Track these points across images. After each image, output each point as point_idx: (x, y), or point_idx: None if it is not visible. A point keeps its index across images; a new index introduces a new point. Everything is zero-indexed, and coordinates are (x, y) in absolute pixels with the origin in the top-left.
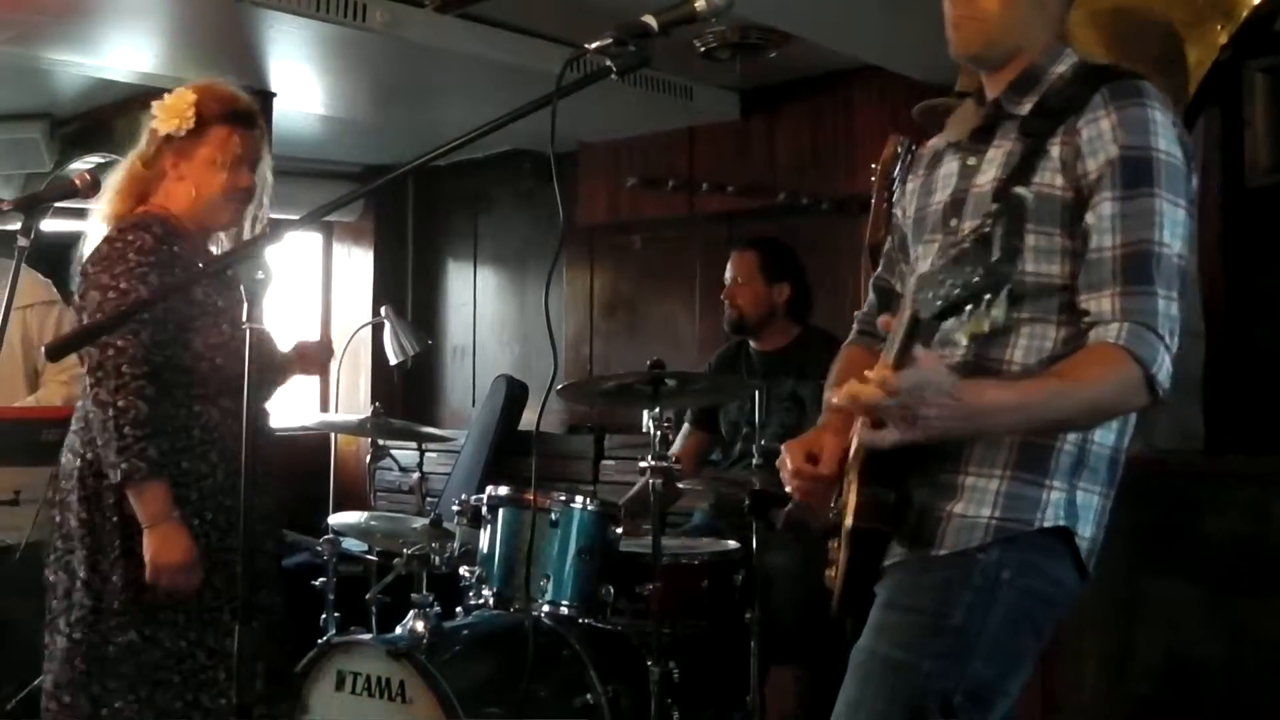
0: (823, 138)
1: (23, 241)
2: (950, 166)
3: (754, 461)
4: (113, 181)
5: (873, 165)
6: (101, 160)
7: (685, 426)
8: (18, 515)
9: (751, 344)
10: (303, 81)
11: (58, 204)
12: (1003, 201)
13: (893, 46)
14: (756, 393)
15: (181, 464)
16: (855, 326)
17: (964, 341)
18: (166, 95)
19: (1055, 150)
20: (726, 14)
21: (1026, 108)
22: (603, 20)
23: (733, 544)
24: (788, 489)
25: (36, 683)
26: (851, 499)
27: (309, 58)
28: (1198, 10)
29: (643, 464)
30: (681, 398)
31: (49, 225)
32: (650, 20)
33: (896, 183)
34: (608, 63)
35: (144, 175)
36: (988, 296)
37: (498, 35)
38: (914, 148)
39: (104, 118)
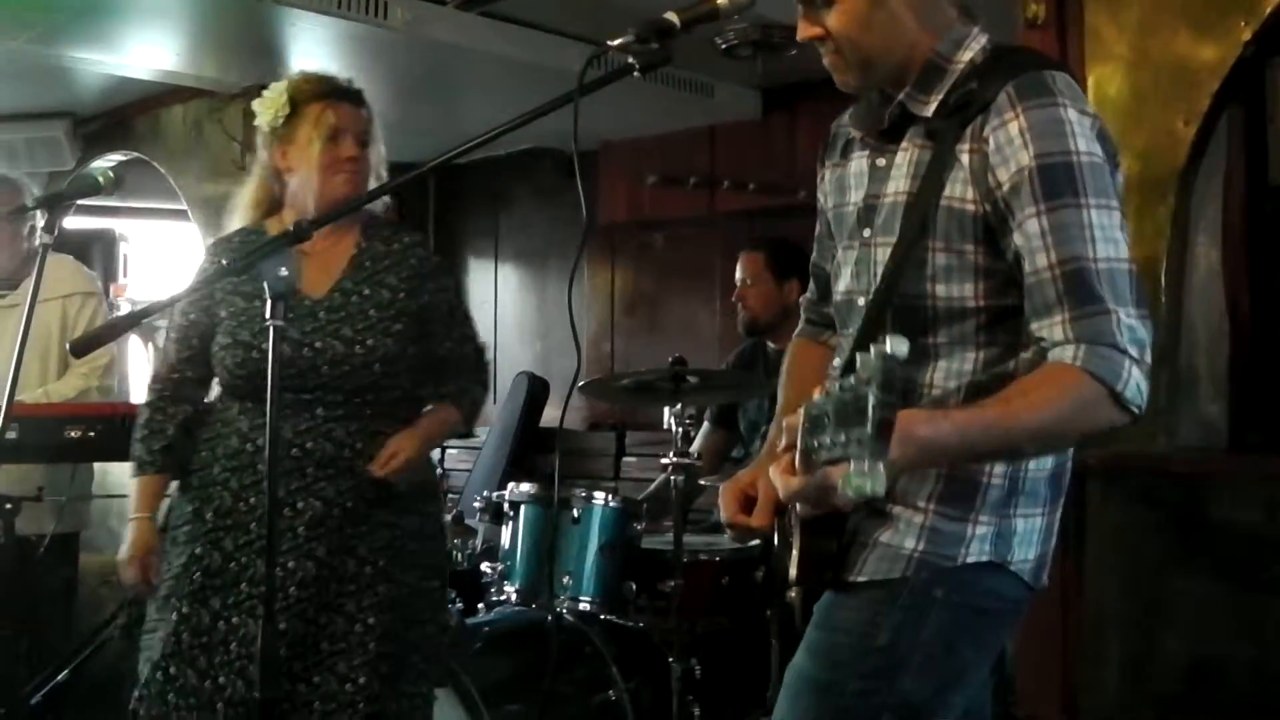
0: None
1: (46, 238)
2: (860, 164)
3: None
4: (242, 194)
5: None
6: (123, 158)
7: (705, 425)
8: (41, 510)
9: (769, 343)
10: None
11: (81, 201)
12: (878, 349)
13: None
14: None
15: (201, 453)
16: (802, 315)
17: (850, 496)
18: (264, 91)
19: (965, 159)
20: (748, 11)
21: (932, 106)
22: (624, 18)
23: (754, 541)
24: (727, 535)
25: (61, 678)
26: (795, 549)
27: (330, 55)
28: (1221, 7)
29: (664, 460)
30: (703, 395)
31: (74, 222)
32: (672, 17)
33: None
34: (630, 60)
35: (268, 179)
36: (865, 466)
37: (519, 33)
38: None
39: (125, 116)
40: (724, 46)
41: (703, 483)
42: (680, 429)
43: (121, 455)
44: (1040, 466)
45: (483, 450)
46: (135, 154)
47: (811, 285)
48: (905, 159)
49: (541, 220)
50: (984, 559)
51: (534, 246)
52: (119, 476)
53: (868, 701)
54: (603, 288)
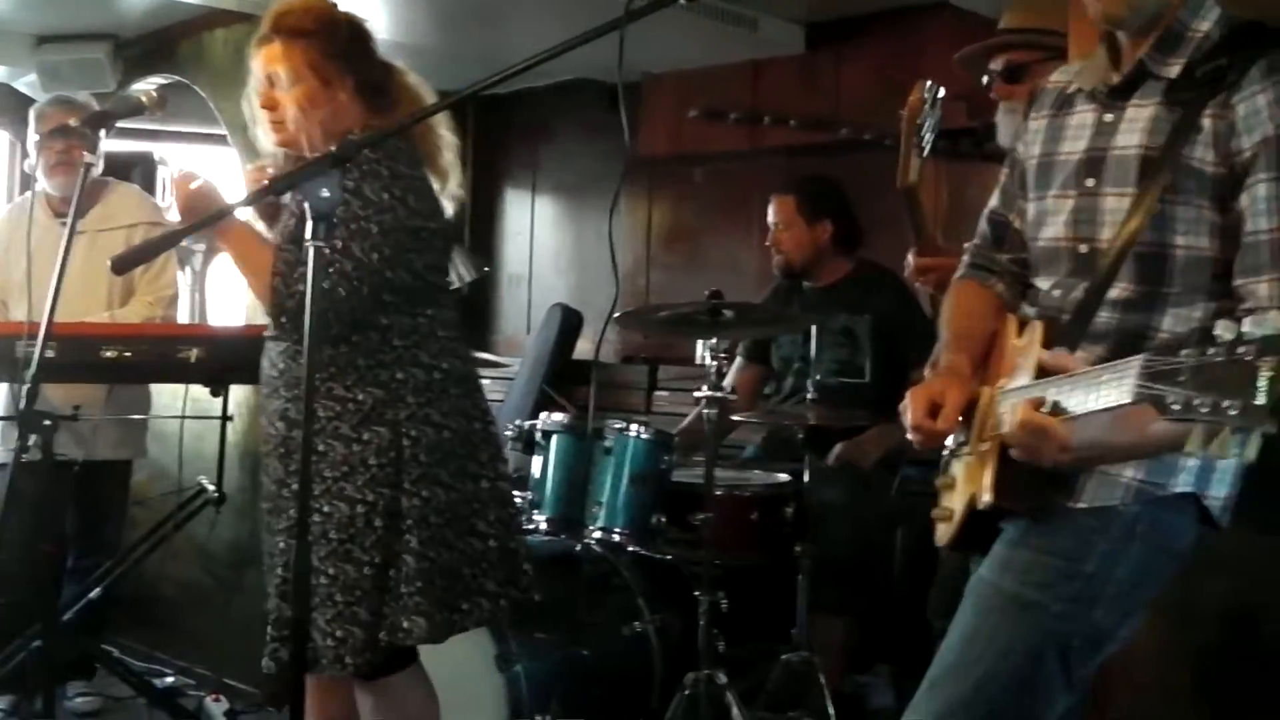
0: (889, 73)
1: (89, 158)
2: (1084, 117)
3: (809, 396)
4: None
5: (900, 112)
6: (165, 81)
7: (738, 360)
8: (78, 430)
9: (805, 281)
10: (366, 4)
11: (122, 124)
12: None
13: None
14: (811, 328)
15: None
16: (966, 259)
17: (1194, 453)
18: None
19: (1207, 123)
20: None
21: (1174, 69)
22: None
23: (784, 477)
24: (909, 437)
25: (93, 595)
26: (989, 474)
27: None
28: None
29: (698, 394)
30: (739, 328)
31: (114, 144)
32: None
33: (927, 129)
34: None
35: None
36: (1240, 435)
37: None
38: (940, 95)
39: (168, 39)
40: None
41: (735, 418)
42: (714, 363)
43: (158, 377)
44: None
45: (515, 380)
46: (177, 77)
47: (986, 231)
48: (1141, 115)
49: (581, 152)
50: (1189, 489)
51: (572, 179)
52: (163, 399)
53: (1065, 624)
54: (640, 221)
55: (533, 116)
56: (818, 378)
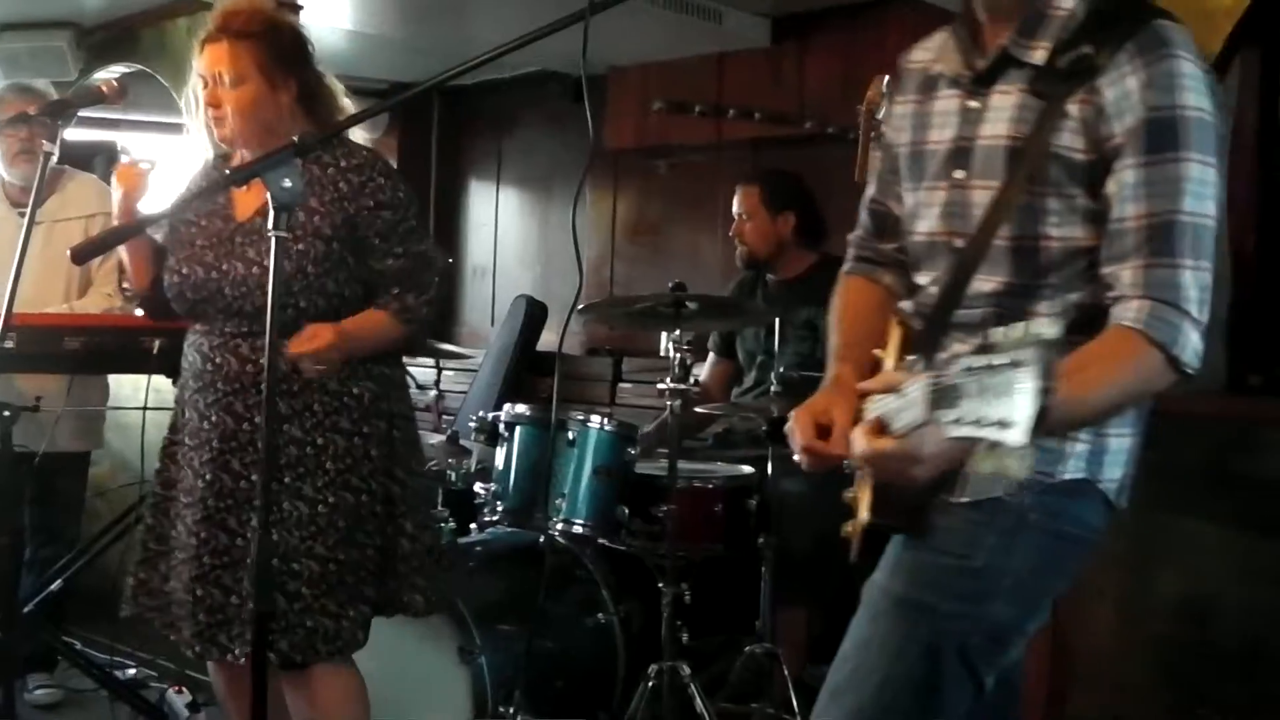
0: (854, 68)
1: (49, 147)
2: (948, 104)
3: (772, 389)
4: None
5: (858, 107)
6: (127, 70)
7: (710, 356)
8: (38, 422)
9: (768, 274)
10: None
11: (83, 113)
12: (1037, 339)
13: None
14: (776, 320)
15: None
16: (852, 252)
17: (984, 470)
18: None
19: (1074, 109)
20: None
21: (1038, 55)
22: None
23: (748, 469)
24: (799, 461)
25: (54, 587)
26: (866, 492)
27: None
28: None
29: (661, 386)
30: (703, 321)
31: (75, 134)
32: None
33: (887, 102)
34: None
35: None
36: (1013, 450)
37: None
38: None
39: (130, 27)
40: None
41: (700, 410)
42: (678, 355)
43: (120, 367)
44: None
45: (479, 372)
46: (139, 66)
47: (867, 221)
48: (1005, 103)
49: (546, 144)
50: (1079, 476)
51: (537, 170)
52: (125, 390)
53: (958, 624)
54: (605, 213)
55: (497, 108)
56: (781, 370)
